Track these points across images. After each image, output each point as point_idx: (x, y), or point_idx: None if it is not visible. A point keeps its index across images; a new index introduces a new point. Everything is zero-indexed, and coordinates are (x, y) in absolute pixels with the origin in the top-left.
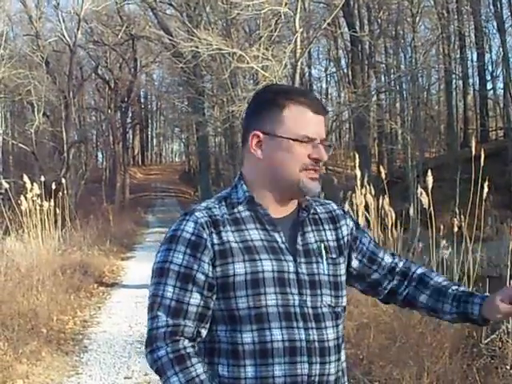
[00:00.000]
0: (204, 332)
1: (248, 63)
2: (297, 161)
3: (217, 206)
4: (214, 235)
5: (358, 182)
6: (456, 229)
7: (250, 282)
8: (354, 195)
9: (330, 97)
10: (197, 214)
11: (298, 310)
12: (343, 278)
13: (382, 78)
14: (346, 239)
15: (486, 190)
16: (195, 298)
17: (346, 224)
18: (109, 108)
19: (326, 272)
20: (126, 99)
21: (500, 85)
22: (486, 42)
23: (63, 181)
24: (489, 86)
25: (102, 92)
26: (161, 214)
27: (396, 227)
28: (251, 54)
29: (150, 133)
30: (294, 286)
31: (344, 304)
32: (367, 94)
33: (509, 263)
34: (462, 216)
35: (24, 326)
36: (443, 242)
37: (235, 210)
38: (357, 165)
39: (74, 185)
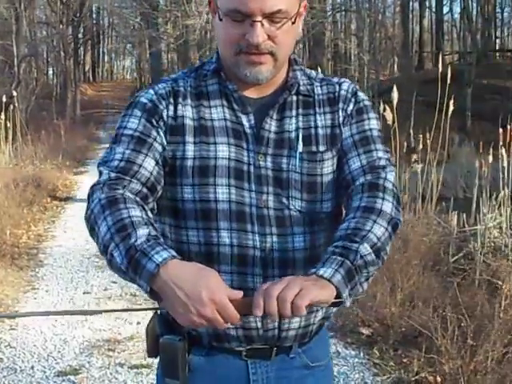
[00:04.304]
0: (152, 206)
1: None
2: (229, 42)
3: (186, 78)
4: (171, 107)
5: None
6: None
7: (198, 169)
8: None
9: None
10: (160, 84)
11: (254, 210)
12: (327, 178)
13: None
14: (342, 127)
15: (451, 108)
16: (149, 164)
17: (343, 108)
18: (60, 23)
19: (298, 169)
20: (78, 14)
21: (457, 9)
22: None
23: (14, 94)
24: (445, 9)
25: (54, 6)
26: (112, 131)
27: None
28: None
29: (101, 49)
30: (252, 181)
31: (328, 210)
32: (325, 11)
33: (464, 185)
34: (418, 137)
35: None
36: (414, 157)
37: (203, 83)
38: None
39: (25, 100)
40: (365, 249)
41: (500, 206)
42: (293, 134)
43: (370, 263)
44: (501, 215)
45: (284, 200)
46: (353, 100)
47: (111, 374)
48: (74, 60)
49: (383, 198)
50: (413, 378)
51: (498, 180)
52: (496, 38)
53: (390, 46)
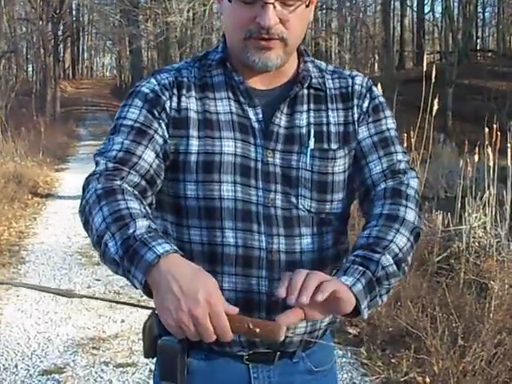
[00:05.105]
0: (151, 201)
1: None
2: (239, 26)
3: (189, 68)
4: (175, 99)
5: None
6: None
7: (202, 164)
8: None
9: None
10: (162, 74)
11: (260, 209)
12: (339, 177)
13: None
14: (356, 125)
15: (435, 107)
16: (149, 156)
17: (359, 105)
18: (40, 19)
19: (309, 167)
20: (57, 10)
21: (439, 8)
22: None
23: None
24: (427, 8)
25: (33, 2)
26: (92, 128)
27: None
28: None
29: (81, 46)
30: (259, 178)
31: (337, 210)
32: None
33: (445, 185)
34: (402, 137)
35: None
36: None
37: (207, 74)
38: None
39: (4, 96)
40: (386, 260)
41: (484, 205)
42: (304, 130)
43: (392, 275)
44: (485, 215)
45: (293, 199)
46: (368, 96)
47: (96, 372)
48: (54, 57)
49: (406, 206)
50: (402, 379)
51: (481, 180)
52: (477, 37)
53: (371, 45)
